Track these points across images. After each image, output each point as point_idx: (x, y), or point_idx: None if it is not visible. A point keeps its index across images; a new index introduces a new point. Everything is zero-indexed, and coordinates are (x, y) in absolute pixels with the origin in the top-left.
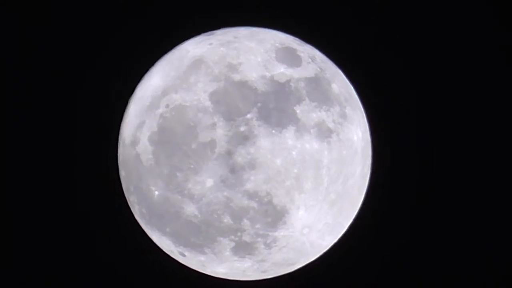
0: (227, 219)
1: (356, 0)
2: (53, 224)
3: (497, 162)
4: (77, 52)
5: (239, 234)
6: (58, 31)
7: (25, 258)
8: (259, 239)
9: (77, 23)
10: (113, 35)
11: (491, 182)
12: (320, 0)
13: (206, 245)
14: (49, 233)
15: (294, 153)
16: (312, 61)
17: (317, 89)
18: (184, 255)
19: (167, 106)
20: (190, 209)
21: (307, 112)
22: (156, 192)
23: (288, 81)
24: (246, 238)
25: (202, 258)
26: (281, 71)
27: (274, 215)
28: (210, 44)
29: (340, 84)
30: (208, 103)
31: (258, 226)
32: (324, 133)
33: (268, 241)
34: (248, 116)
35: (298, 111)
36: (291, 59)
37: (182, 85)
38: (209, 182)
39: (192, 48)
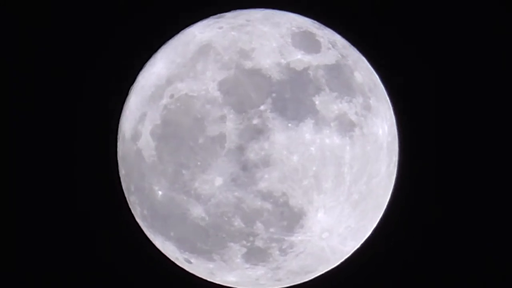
0: (238, 222)
1: None
2: (47, 227)
3: None
4: (75, 37)
5: (251, 238)
6: (56, 14)
7: (16, 261)
8: (273, 244)
9: (75, 4)
10: (114, 18)
11: None
12: None
13: (215, 251)
14: (43, 237)
15: (312, 149)
16: (333, 47)
17: (338, 77)
18: (190, 262)
19: (171, 96)
20: (197, 211)
21: (327, 103)
22: (160, 192)
23: (306, 69)
24: (259, 243)
25: (211, 265)
26: (298, 57)
27: (290, 218)
28: (220, 28)
29: (363, 72)
30: (217, 93)
31: (272, 230)
32: (346, 126)
33: (283, 247)
34: (262, 107)
35: (317, 102)
36: (309, 44)
37: (189, 73)
38: (218, 181)
39: (200, 32)
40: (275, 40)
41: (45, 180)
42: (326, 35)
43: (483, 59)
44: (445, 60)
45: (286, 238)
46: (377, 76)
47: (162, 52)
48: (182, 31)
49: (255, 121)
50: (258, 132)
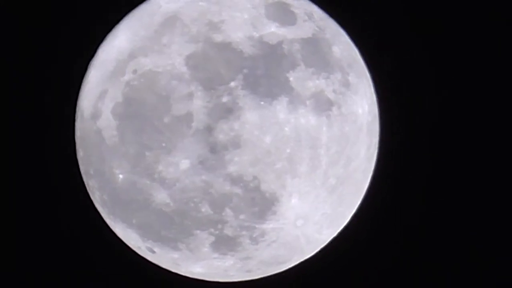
0: (205, 209)
1: None
2: None
3: None
4: (29, 7)
5: (219, 226)
6: None
7: None
8: (243, 232)
9: None
10: None
11: None
12: None
13: (180, 240)
14: None
15: (286, 129)
16: (309, 19)
17: (314, 52)
18: (153, 252)
19: (134, 72)
20: (161, 196)
21: (303, 80)
22: (121, 176)
23: (280, 43)
24: (228, 231)
25: (175, 255)
26: (272, 30)
27: (262, 204)
28: None
29: (342, 46)
30: (184, 69)
31: (242, 217)
32: (323, 105)
33: (254, 235)
34: (232, 84)
35: (291, 79)
36: (284, 16)
37: (153, 47)
38: (185, 164)
39: (165, 3)
40: (247, 11)
41: None
42: (302, 6)
43: (470, 34)
44: (431, 35)
45: (257, 225)
46: (357, 51)
47: (124, 24)
48: (146, 1)
49: (224, 99)
50: (228, 111)
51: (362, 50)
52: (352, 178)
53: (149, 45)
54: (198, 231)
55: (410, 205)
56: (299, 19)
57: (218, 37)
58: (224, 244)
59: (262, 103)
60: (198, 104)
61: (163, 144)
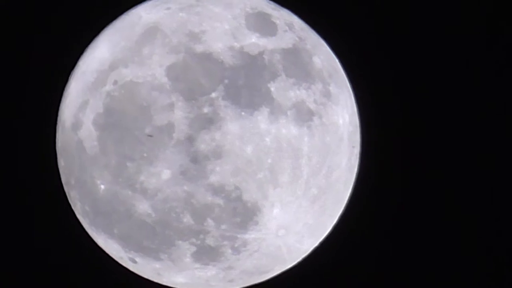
0: (187, 219)
1: None
2: None
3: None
4: (9, 16)
5: (201, 236)
6: None
7: None
8: (225, 242)
9: None
10: None
11: (497, 181)
12: None
13: (162, 250)
14: None
15: (267, 139)
16: (290, 29)
17: (295, 62)
18: (135, 262)
19: (115, 82)
20: (142, 207)
21: (284, 90)
22: (102, 186)
23: (261, 53)
24: (210, 241)
25: (157, 265)
26: (253, 41)
27: (244, 214)
28: (168, 8)
29: (323, 56)
30: (164, 80)
31: (224, 227)
32: (304, 115)
33: (236, 245)
34: (213, 95)
35: (272, 89)
36: (265, 26)
37: (134, 58)
38: (166, 174)
39: (146, 13)
40: (228, 22)
41: None
42: (283, 17)
43: (449, 45)
44: (411, 46)
45: (239, 235)
46: (337, 62)
47: (105, 34)
48: (127, 12)
49: (205, 110)
50: (209, 122)
51: (342, 61)
52: (334, 188)
53: (130, 56)
54: (180, 241)
55: (391, 215)
56: (280, 29)
57: (199, 48)
58: (206, 254)
59: (243, 113)
60: (179, 115)
61: (144, 155)
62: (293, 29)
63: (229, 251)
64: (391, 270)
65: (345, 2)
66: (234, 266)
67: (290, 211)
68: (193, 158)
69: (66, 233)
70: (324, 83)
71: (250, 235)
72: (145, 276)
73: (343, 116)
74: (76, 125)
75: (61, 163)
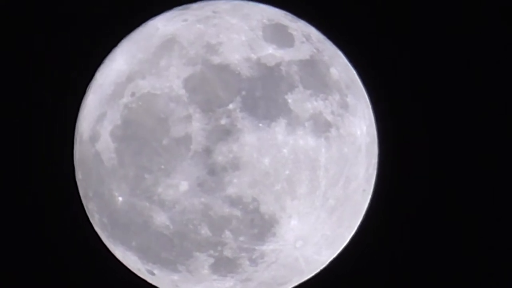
0: (205, 231)
1: None
2: None
3: None
4: (27, 29)
5: (219, 248)
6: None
7: None
8: (243, 254)
9: None
10: (71, 9)
11: None
12: None
13: (180, 262)
14: None
15: (285, 151)
16: (307, 41)
17: (312, 74)
18: (153, 274)
19: (132, 94)
20: (160, 219)
21: (301, 101)
22: (120, 198)
23: (278, 65)
24: (227, 253)
25: (175, 277)
26: (270, 52)
27: (262, 226)
28: (185, 20)
29: (340, 68)
30: (182, 91)
31: (242, 238)
32: (321, 127)
33: (254, 257)
34: (230, 106)
35: (290, 101)
36: (282, 38)
37: (151, 70)
38: (184, 186)
39: (163, 25)
40: (245, 33)
41: None
42: (300, 28)
43: (470, 54)
44: (429, 55)
45: (256, 247)
46: (354, 73)
47: (122, 47)
48: (144, 24)
49: (223, 121)
50: (227, 133)
51: (360, 72)
52: (352, 199)
53: (147, 68)
54: (197, 253)
55: (410, 226)
56: (297, 41)
57: (216, 59)
58: (224, 265)
59: (260, 125)
60: (197, 126)
61: (162, 167)
62: (310, 40)
63: (247, 262)
64: (409, 282)
65: (363, 14)
66: (252, 278)
67: (308, 222)
68: (210, 170)
69: (84, 245)
70: (341, 94)
71: (267, 247)
72: None
73: (360, 127)
74: (94, 137)
75: (79, 175)
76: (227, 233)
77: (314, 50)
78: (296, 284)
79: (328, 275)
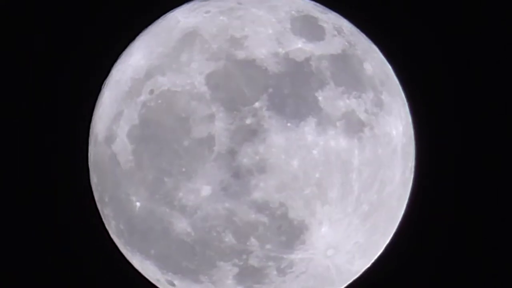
0: (229, 238)
1: None
2: (8, 244)
3: None
4: (40, 23)
5: (244, 257)
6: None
7: None
8: (270, 263)
9: None
10: (86, 2)
11: None
12: None
13: (202, 272)
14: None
15: (315, 152)
16: (339, 34)
17: (345, 69)
18: (173, 285)
19: (151, 92)
20: (181, 225)
21: (332, 99)
22: (138, 203)
23: (308, 60)
24: (253, 262)
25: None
26: (299, 46)
27: (290, 233)
28: (207, 12)
29: (374, 63)
30: (204, 88)
31: (269, 246)
32: (354, 126)
33: (282, 266)
34: (256, 105)
35: (320, 99)
36: (312, 31)
37: (171, 65)
38: (206, 190)
39: (184, 17)
40: (272, 26)
41: (4, 187)
42: (331, 20)
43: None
44: (471, 50)
45: (285, 256)
46: (390, 68)
47: (140, 41)
48: (163, 16)
49: (248, 121)
50: (252, 134)
51: (395, 67)
52: (387, 205)
53: (167, 63)
54: (221, 262)
55: (449, 233)
56: (328, 34)
57: (240, 54)
58: (249, 276)
59: (288, 124)
60: (220, 126)
61: (183, 169)
62: (342, 34)
63: (274, 272)
64: None
65: (398, 4)
66: None
67: (339, 229)
68: (235, 173)
69: (100, 254)
70: (375, 91)
71: (296, 255)
72: None
73: (396, 126)
74: (110, 138)
75: (94, 179)
76: (253, 240)
77: (346, 44)
78: None
79: (361, 286)
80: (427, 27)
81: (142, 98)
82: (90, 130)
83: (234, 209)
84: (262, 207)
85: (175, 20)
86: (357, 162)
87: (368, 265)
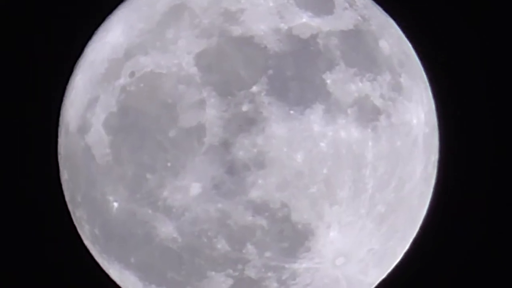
0: (222, 245)
1: None
2: None
3: None
4: None
5: (240, 266)
6: None
7: None
8: (270, 273)
9: None
10: None
11: None
12: None
13: (191, 283)
14: None
15: (322, 144)
16: (350, 6)
17: (357, 48)
18: None
19: (132, 74)
20: (166, 230)
21: (343, 82)
22: (116, 204)
23: (314, 37)
24: (250, 272)
25: None
26: (304, 21)
27: (293, 238)
28: None
29: (392, 40)
30: (193, 70)
31: (268, 254)
32: (368, 114)
33: (283, 277)
34: (254, 89)
35: (328, 82)
36: (319, 3)
37: (155, 43)
38: (195, 189)
39: None
40: None
41: None
42: None
43: None
44: (501, 27)
45: (287, 265)
46: (410, 46)
47: (119, 14)
48: None
49: (245, 108)
50: (249, 122)
51: (416, 45)
52: (406, 205)
53: (150, 41)
54: (213, 273)
55: (477, 237)
56: (338, 6)
57: (236, 30)
58: None
59: (291, 112)
60: (212, 114)
61: (168, 164)
62: (355, 6)
63: (275, 284)
64: None
65: None
66: None
67: (350, 234)
68: (229, 168)
69: (71, 263)
70: (393, 73)
71: (300, 265)
72: None
73: (417, 114)
74: (83, 128)
75: (65, 175)
76: (250, 247)
77: (359, 18)
78: None
79: None
80: (454, 1)
81: (121, 81)
82: (60, 119)
83: (228, 211)
84: (261, 208)
85: None
86: (371, 156)
87: (384, 275)
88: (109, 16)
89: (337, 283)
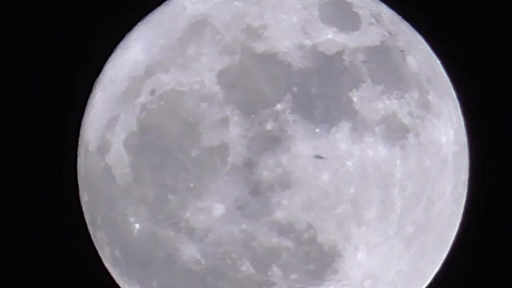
0: (246, 267)
1: None
2: None
3: None
4: (20, 10)
5: None
6: None
7: None
8: None
9: None
10: None
11: None
12: None
13: None
14: None
15: (349, 163)
16: (377, 22)
17: (384, 65)
18: None
19: (152, 92)
20: (189, 252)
21: (370, 100)
22: (137, 226)
23: (340, 53)
24: None
25: None
26: (329, 37)
27: (320, 260)
28: None
29: (419, 57)
30: (216, 88)
31: (294, 276)
32: (396, 132)
33: None
34: (278, 107)
35: (355, 99)
36: (344, 18)
37: (176, 60)
38: (219, 210)
39: (191, 3)
40: (296, 13)
41: None
42: (368, 6)
43: None
44: None
45: None
46: (438, 62)
47: (139, 31)
48: (166, 2)
49: (269, 126)
50: (274, 141)
51: (445, 62)
52: (435, 226)
53: (171, 58)
54: None
55: (509, 259)
56: (364, 22)
57: (259, 47)
58: None
59: (317, 130)
60: (235, 133)
61: (191, 185)
62: (381, 22)
63: None
64: None
65: None
66: None
67: (379, 255)
68: (253, 188)
69: (92, 286)
70: (421, 90)
71: (327, 287)
72: None
73: (446, 132)
74: (103, 148)
75: (84, 197)
76: (275, 269)
77: (386, 34)
78: None
79: None
80: (483, 14)
81: (142, 99)
82: (80, 139)
83: (253, 232)
84: (286, 230)
85: (181, 7)
86: (399, 175)
87: None
88: (129, 33)
89: None
